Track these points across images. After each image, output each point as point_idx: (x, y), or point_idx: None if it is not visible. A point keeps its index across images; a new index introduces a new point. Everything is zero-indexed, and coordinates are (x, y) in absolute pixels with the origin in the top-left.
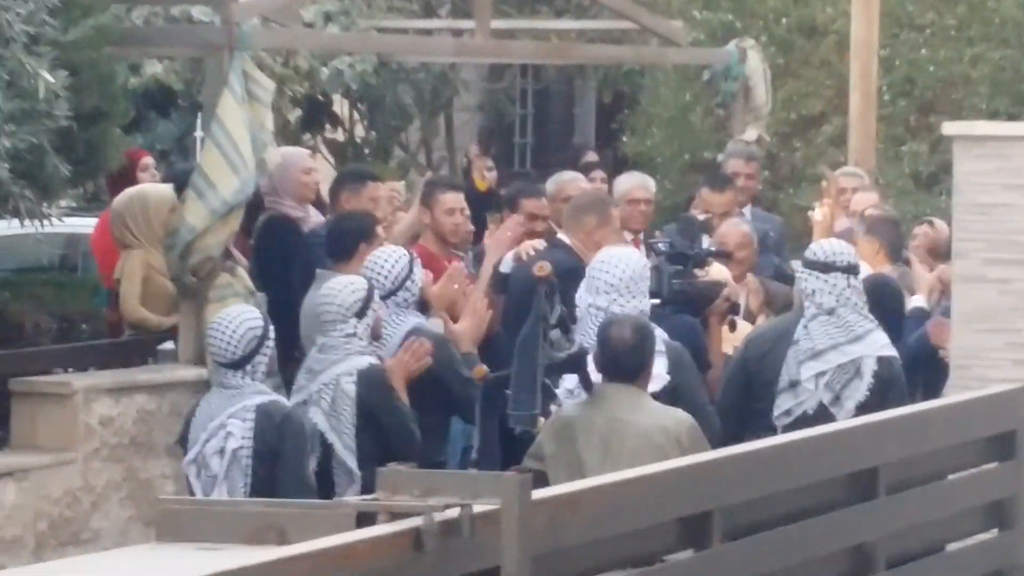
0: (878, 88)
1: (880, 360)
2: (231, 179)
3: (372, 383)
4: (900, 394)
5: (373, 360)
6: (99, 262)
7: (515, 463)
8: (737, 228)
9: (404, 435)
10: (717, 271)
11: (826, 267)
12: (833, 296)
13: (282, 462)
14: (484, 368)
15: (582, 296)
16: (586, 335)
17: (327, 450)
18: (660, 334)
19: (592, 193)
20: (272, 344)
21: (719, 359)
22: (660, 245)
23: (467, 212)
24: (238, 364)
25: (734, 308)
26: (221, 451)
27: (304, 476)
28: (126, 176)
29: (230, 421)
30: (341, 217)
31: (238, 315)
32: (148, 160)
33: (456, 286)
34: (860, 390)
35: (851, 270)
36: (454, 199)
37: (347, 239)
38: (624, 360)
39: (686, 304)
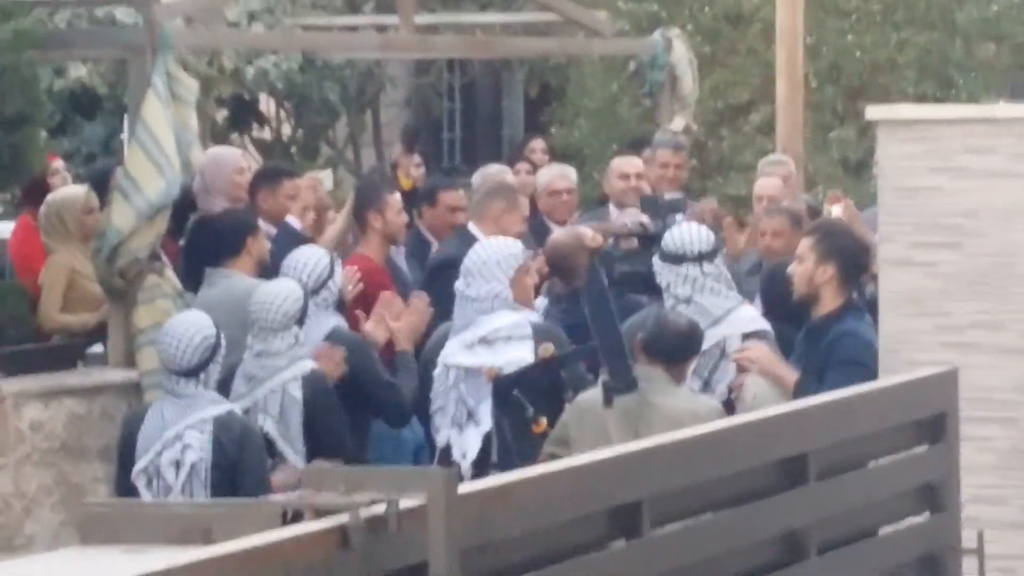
0: (805, 75)
1: (746, 337)
2: (156, 180)
3: (316, 388)
4: None
5: (314, 365)
6: (16, 267)
7: (531, 457)
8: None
9: (337, 441)
10: None
11: (677, 258)
12: (688, 285)
13: (242, 474)
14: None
15: (457, 285)
16: (456, 320)
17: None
18: (528, 316)
19: (500, 180)
20: (224, 352)
21: None
22: (629, 226)
23: None
24: (192, 372)
25: None
26: (177, 463)
27: (266, 487)
28: (38, 181)
29: (187, 432)
30: (224, 215)
31: (193, 322)
32: (57, 164)
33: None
34: (730, 371)
35: (704, 257)
36: (399, 198)
37: (234, 236)
38: (673, 342)
39: (636, 285)
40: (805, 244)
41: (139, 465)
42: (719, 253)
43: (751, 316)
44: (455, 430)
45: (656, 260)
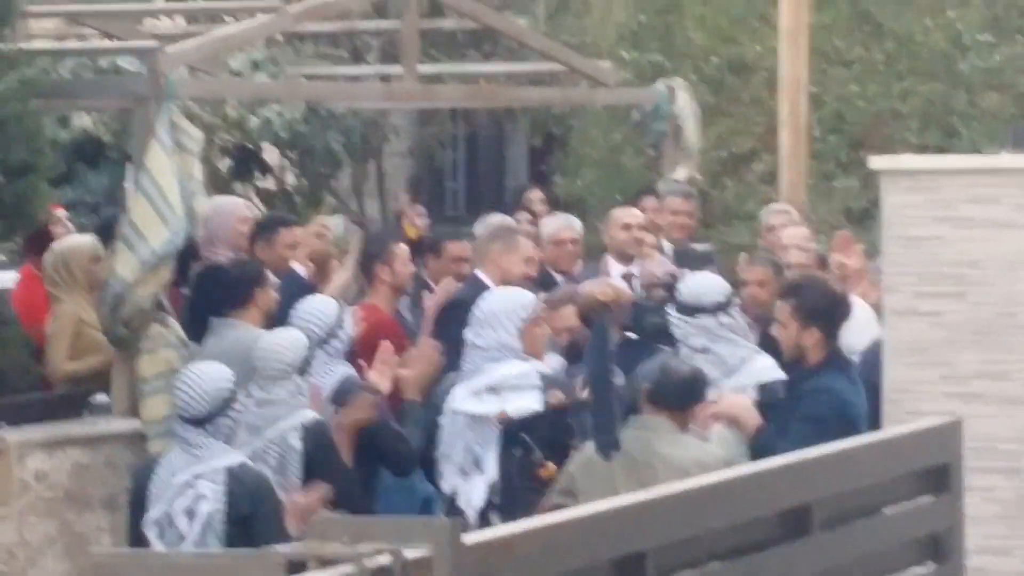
0: (808, 124)
1: (761, 388)
2: (160, 230)
3: (317, 438)
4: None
5: (315, 415)
6: (21, 317)
7: (534, 502)
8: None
9: (340, 491)
10: None
11: (692, 310)
12: (704, 336)
13: (258, 527)
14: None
15: (466, 334)
16: (465, 367)
17: None
18: (537, 367)
19: (499, 223)
20: (239, 409)
21: None
22: (659, 276)
23: None
24: (202, 421)
25: None
26: (190, 512)
27: (282, 539)
28: (40, 230)
29: (199, 482)
30: (232, 265)
31: (212, 372)
32: (60, 213)
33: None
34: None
35: (719, 308)
36: (405, 249)
37: (242, 287)
38: (677, 389)
39: (668, 336)
40: (784, 309)
41: (151, 515)
42: (734, 303)
43: (767, 365)
44: (461, 478)
45: (672, 311)
